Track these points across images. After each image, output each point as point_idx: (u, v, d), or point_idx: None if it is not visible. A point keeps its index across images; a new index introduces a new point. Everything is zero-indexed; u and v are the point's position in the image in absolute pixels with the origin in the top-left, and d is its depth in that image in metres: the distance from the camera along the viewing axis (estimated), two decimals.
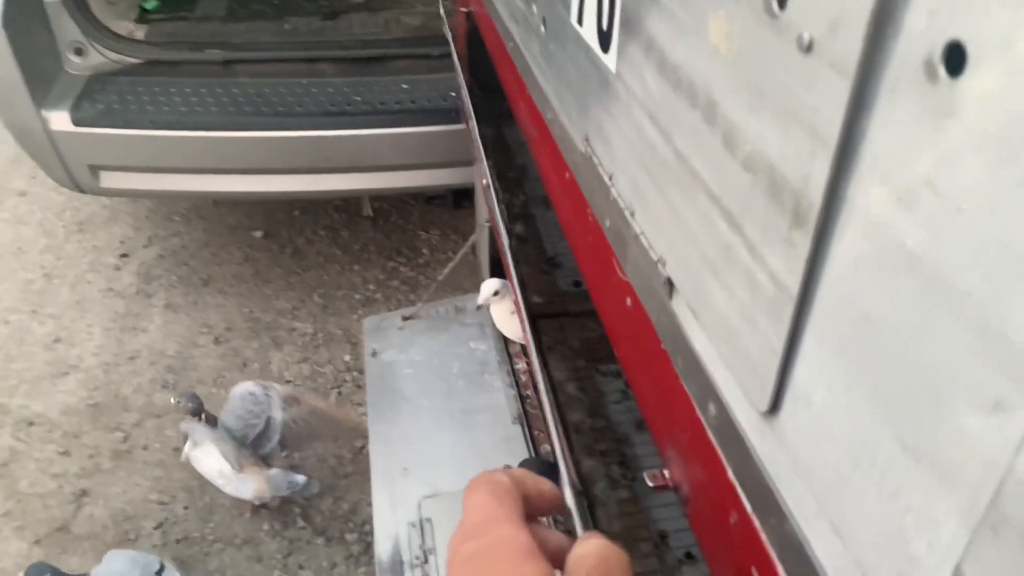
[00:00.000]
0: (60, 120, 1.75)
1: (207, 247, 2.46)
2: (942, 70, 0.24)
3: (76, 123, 1.75)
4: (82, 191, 1.91)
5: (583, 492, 0.37)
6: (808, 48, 0.30)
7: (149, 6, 2.16)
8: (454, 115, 1.74)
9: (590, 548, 0.35)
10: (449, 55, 1.65)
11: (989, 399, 0.24)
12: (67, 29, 1.81)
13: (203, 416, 1.57)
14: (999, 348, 0.23)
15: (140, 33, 1.90)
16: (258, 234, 2.51)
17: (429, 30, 1.95)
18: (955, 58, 0.24)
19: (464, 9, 1.33)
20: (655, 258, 0.48)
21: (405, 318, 1.58)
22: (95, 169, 1.84)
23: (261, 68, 1.88)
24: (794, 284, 0.33)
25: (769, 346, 0.36)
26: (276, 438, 1.57)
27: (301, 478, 1.58)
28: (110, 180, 1.88)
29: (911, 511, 0.28)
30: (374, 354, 1.53)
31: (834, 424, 0.33)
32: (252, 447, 1.56)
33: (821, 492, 0.34)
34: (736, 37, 0.36)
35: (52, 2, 1.77)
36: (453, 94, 1.79)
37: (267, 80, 1.85)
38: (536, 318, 1.00)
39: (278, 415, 1.57)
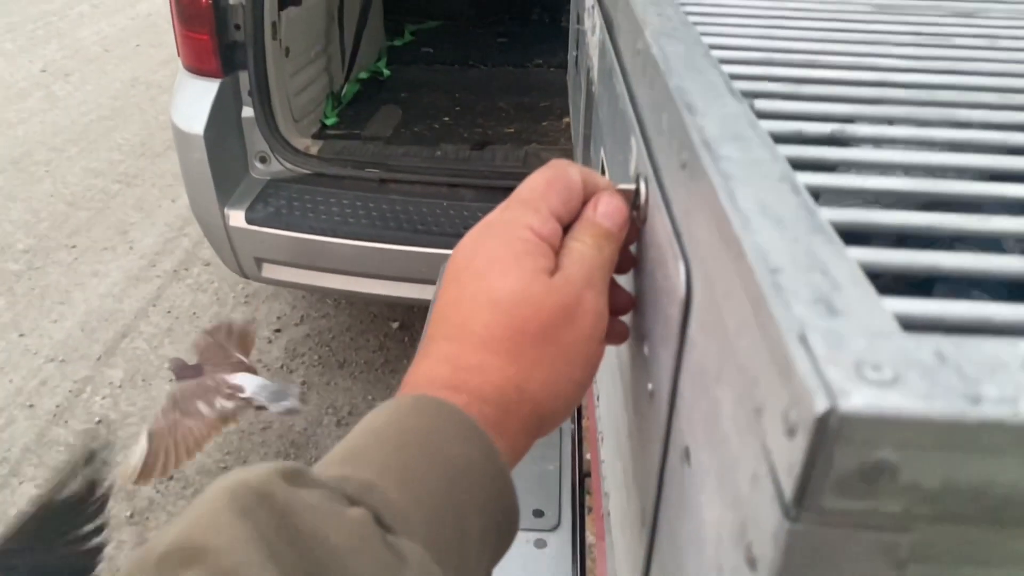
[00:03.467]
0: (237, 218, 2.04)
1: (348, 331, 2.70)
2: (686, 461, 0.33)
3: (249, 222, 2.03)
4: (246, 277, 2.20)
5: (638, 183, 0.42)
6: (651, 396, 0.39)
7: (329, 122, 2.48)
8: None
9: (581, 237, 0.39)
10: None
11: None
12: (256, 141, 2.12)
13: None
14: None
15: (314, 149, 2.19)
16: (395, 325, 2.73)
17: None
18: (688, 455, 0.32)
19: None
20: (605, 490, 0.56)
21: None
22: (259, 261, 2.12)
23: (411, 188, 2.10)
24: (644, 558, 0.41)
25: None
26: None
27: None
28: (270, 271, 2.15)
29: None
30: None
31: None
32: None
33: None
34: (630, 359, 0.45)
35: (248, 117, 2.09)
36: None
37: (414, 199, 2.07)
38: (585, 476, 1.08)
39: None
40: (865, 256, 0.26)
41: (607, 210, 0.40)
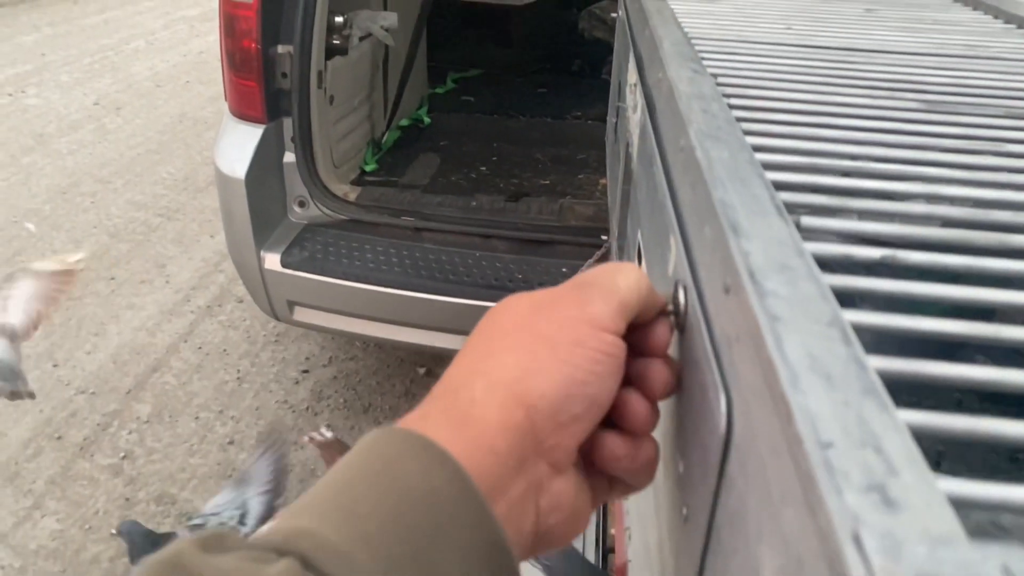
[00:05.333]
0: (272, 261, 2.07)
1: (375, 375, 2.70)
2: None
3: (284, 265, 2.05)
4: (277, 319, 2.21)
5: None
6: (685, 520, 0.37)
7: (369, 168, 2.51)
8: None
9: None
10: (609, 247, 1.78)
11: None
12: (296, 186, 2.15)
13: None
14: None
15: (353, 195, 2.21)
16: (421, 371, 2.72)
17: (597, 220, 2.11)
18: None
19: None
20: (628, 557, 0.55)
21: None
22: (291, 304, 2.13)
23: (445, 238, 2.11)
24: None
25: None
26: None
27: None
28: (302, 315, 2.16)
29: None
30: None
31: None
32: None
33: None
34: (662, 468, 0.43)
35: (289, 162, 2.12)
36: None
37: (447, 249, 2.07)
38: (609, 552, 1.05)
39: None
40: (919, 420, 0.24)
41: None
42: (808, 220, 0.38)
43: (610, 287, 0.38)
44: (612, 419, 0.39)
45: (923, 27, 0.86)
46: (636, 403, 0.39)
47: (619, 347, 0.37)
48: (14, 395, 1.94)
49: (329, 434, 1.79)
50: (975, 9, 0.98)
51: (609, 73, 1.75)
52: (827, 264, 0.34)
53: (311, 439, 1.77)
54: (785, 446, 0.23)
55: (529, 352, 0.35)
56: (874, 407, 0.23)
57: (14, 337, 1.78)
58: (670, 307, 0.42)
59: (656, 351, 0.40)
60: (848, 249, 0.35)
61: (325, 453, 1.78)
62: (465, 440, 0.33)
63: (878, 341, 0.30)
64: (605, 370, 0.36)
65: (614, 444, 0.38)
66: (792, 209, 0.38)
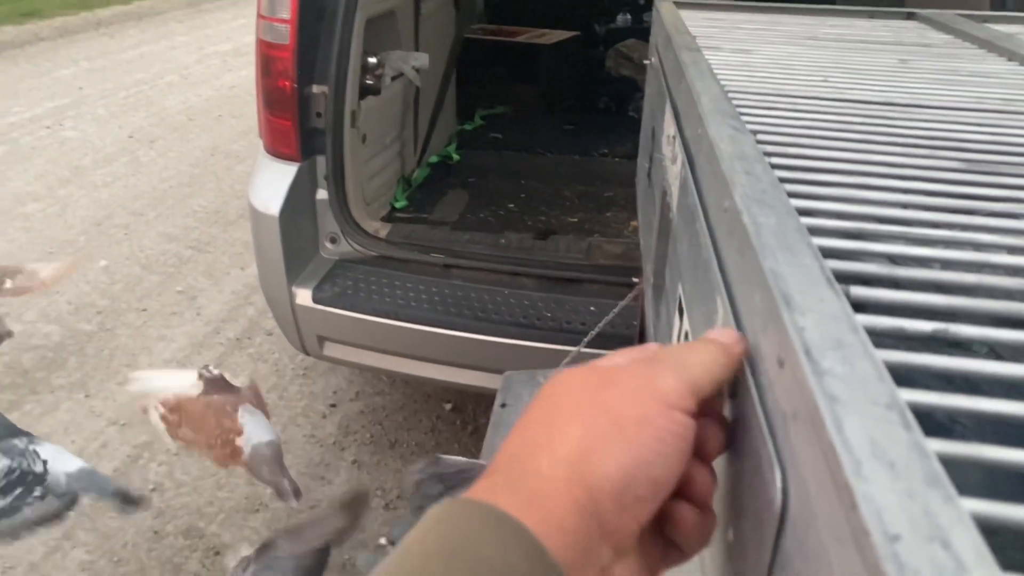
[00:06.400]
0: (304, 296, 2.09)
1: (402, 411, 2.71)
2: None
3: (315, 301, 2.08)
4: (307, 354, 2.23)
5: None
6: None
7: (399, 205, 2.54)
8: (631, 342, 1.84)
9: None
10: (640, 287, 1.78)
11: None
12: (328, 222, 2.18)
13: None
14: None
15: (383, 232, 2.24)
16: (447, 406, 2.73)
17: (626, 259, 2.11)
18: None
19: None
20: None
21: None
22: (322, 339, 2.15)
23: (473, 275, 2.12)
24: None
25: None
26: None
27: None
28: (331, 350, 2.18)
29: None
30: (503, 406, 1.60)
31: None
32: None
33: None
34: (715, 555, 0.44)
35: (321, 199, 2.16)
36: (635, 323, 1.90)
37: (475, 286, 2.09)
38: None
39: None
40: (982, 510, 0.25)
41: (715, 333, 0.41)
42: (857, 291, 0.38)
43: (682, 364, 0.37)
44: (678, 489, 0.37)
45: (959, 79, 0.87)
46: (703, 475, 0.38)
47: (688, 427, 0.36)
48: None
49: (216, 371, 1.81)
50: (1009, 60, 0.98)
51: (636, 111, 1.76)
52: (879, 336, 0.34)
53: (200, 375, 1.78)
54: (849, 534, 0.24)
55: (593, 427, 0.34)
56: (939, 498, 0.24)
57: None
58: None
59: (709, 412, 0.40)
60: (899, 322, 0.36)
61: (207, 387, 1.77)
62: (537, 517, 0.32)
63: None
64: (671, 450, 0.35)
65: (688, 514, 0.37)
66: (841, 278, 0.39)
